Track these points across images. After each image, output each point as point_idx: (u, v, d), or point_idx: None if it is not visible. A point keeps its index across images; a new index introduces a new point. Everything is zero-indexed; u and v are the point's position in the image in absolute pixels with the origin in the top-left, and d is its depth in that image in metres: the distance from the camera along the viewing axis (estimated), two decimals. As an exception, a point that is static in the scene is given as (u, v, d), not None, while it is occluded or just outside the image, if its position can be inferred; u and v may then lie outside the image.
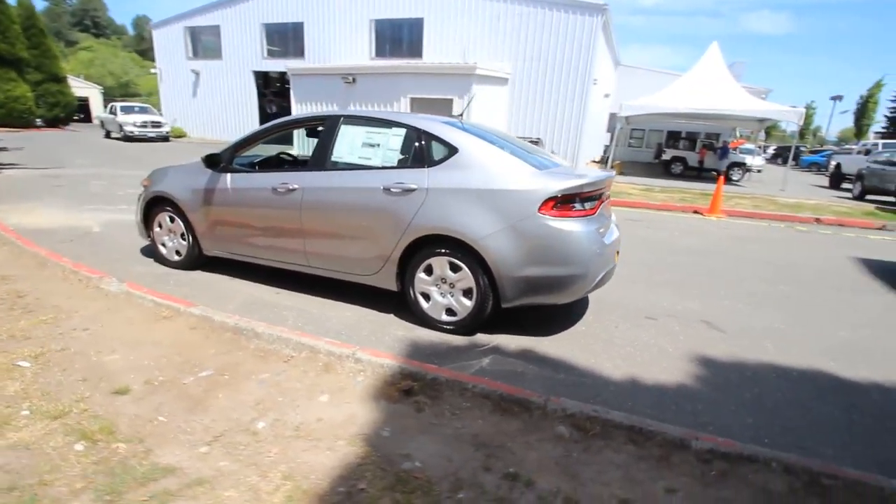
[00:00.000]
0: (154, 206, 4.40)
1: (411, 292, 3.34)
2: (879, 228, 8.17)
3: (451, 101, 15.24)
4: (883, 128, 36.78)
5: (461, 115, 4.00)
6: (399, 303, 3.59)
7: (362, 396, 2.42)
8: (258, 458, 1.93)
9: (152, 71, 27.09)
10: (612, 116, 21.65)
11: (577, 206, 3.01)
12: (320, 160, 3.62)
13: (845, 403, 2.65)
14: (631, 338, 3.36)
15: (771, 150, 35.10)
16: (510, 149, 3.35)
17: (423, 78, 15.37)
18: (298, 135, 15.58)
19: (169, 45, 24.73)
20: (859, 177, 13.20)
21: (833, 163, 18.62)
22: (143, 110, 21.79)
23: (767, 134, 24.87)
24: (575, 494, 1.80)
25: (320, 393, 2.44)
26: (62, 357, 2.65)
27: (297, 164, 4.50)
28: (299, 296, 3.89)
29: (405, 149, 3.40)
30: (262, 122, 21.97)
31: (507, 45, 17.18)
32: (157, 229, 4.46)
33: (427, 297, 3.32)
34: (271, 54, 22.26)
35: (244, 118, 23.32)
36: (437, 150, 3.28)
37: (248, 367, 2.67)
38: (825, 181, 19.26)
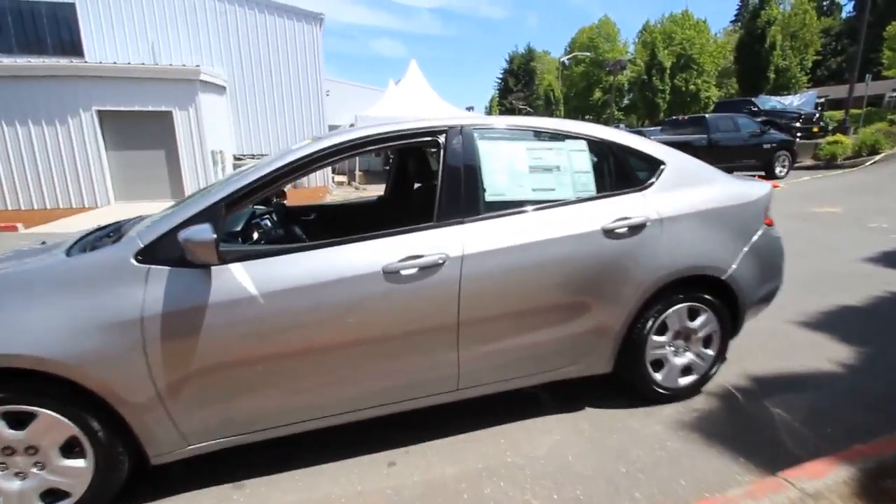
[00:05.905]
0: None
1: (644, 364, 2.39)
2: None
3: (168, 113, 11.64)
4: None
5: None
6: (583, 389, 2.53)
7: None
8: None
9: None
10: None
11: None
12: (467, 203, 2.10)
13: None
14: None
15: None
16: None
17: (118, 84, 11.12)
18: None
19: None
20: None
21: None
22: None
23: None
24: None
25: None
26: None
27: (370, 216, 2.47)
28: (423, 464, 2.22)
29: (598, 170, 2.36)
30: None
31: (213, 46, 14.32)
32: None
33: (658, 363, 2.45)
34: None
35: None
36: (641, 167, 2.45)
37: None
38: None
